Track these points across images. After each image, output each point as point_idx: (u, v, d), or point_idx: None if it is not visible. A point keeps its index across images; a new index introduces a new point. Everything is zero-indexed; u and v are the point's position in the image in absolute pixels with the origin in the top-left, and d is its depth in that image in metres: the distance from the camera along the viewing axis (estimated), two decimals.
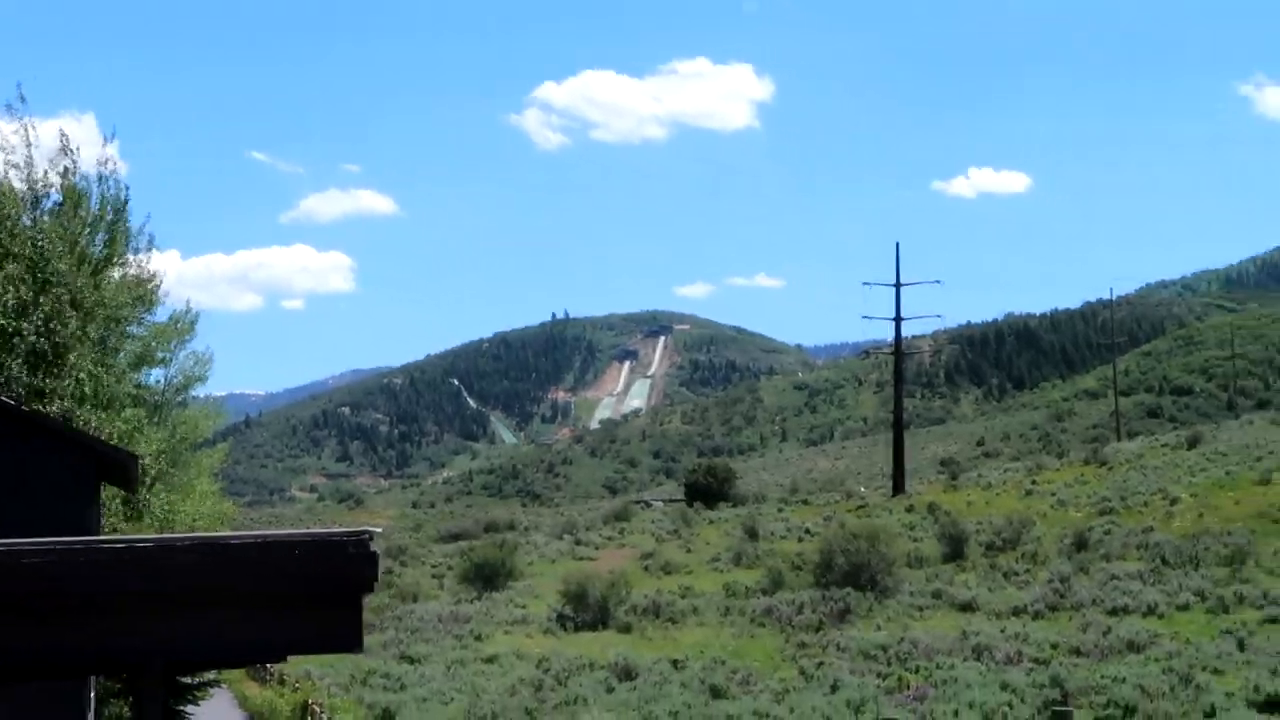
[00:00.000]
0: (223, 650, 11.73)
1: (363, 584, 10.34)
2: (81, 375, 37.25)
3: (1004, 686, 47.62)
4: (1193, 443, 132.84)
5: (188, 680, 43.23)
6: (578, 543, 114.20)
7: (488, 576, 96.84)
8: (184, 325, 44.95)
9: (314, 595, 10.39)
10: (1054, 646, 61.49)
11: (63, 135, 41.58)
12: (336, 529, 10.98)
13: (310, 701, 62.50)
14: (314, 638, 10.49)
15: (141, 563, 10.72)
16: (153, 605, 10.58)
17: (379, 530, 10.97)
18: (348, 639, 10.40)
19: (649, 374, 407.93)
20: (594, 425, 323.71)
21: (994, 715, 37.41)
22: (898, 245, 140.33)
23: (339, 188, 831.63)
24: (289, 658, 44.38)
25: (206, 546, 12.28)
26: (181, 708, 45.17)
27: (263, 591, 10.78)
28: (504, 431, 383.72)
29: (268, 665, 75.16)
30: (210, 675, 57.84)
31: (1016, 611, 71.76)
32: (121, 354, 42.28)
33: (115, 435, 35.39)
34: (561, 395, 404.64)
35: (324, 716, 57.40)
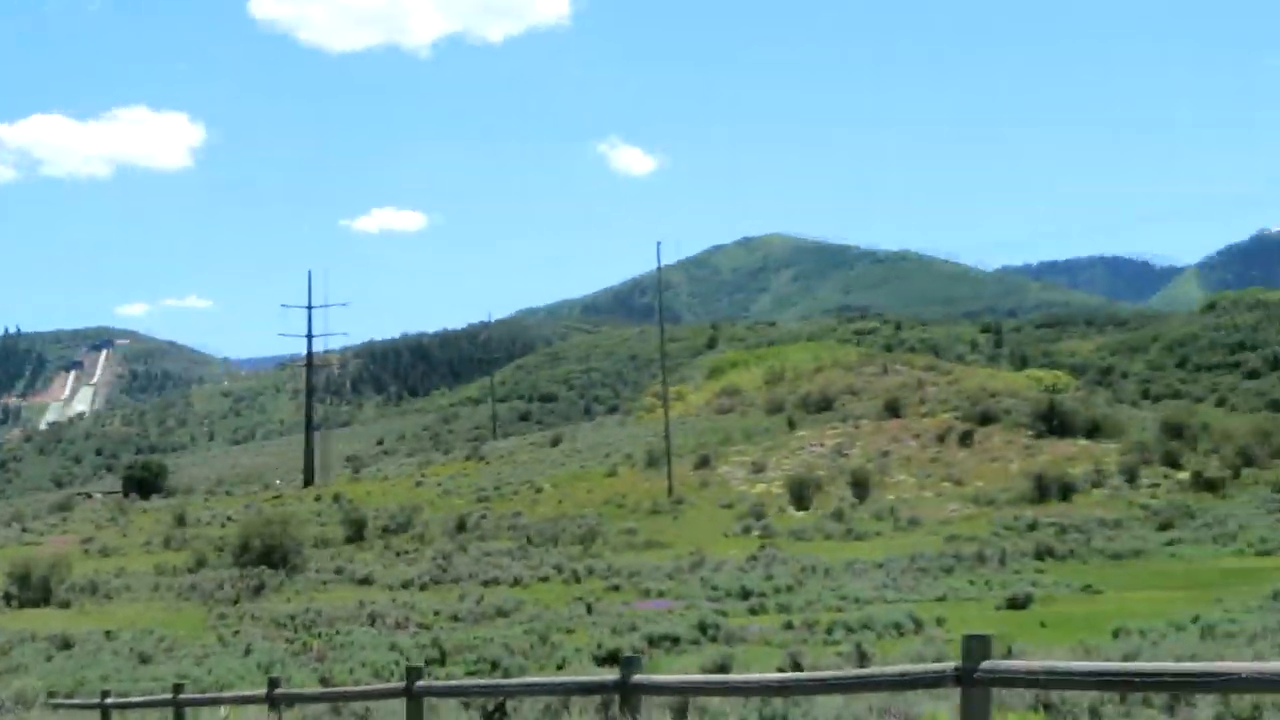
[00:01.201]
0: None
1: None
2: None
3: (392, 647, 47.82)
4: (555, 441, 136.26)
5: None
6: (24, 530, 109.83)
7: None
8: None
9: None
10: (436, 613, 61.98)
11: None
12: None
13: None
14: None
15: None
16: None
17: None
18: None
19: (93, 382, 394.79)
20: (42, 427, 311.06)
21: (383, 670, 37.37)
22: (310, 274, 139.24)
23: None
24: None
25: None
26: None
27: None
28: None
29: None
30: None
31: (406, 585, 72.09)
32: None
33: None
34: (13, 401, 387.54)
35: None
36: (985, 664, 9.58)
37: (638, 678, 11.46)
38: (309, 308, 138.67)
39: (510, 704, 20.78)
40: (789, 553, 71.04)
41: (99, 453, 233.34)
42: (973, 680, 9.60)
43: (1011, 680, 9.97)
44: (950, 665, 9.92)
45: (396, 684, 14.65)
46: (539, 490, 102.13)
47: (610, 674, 12.40)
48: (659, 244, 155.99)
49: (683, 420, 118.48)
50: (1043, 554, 63.13)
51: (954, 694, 10.40)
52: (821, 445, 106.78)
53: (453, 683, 27.04)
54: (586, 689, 13.19)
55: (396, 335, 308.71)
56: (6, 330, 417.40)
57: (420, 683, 14.42)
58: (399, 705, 14.48)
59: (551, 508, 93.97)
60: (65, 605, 72.40)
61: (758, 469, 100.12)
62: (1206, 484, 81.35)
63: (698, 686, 12.87)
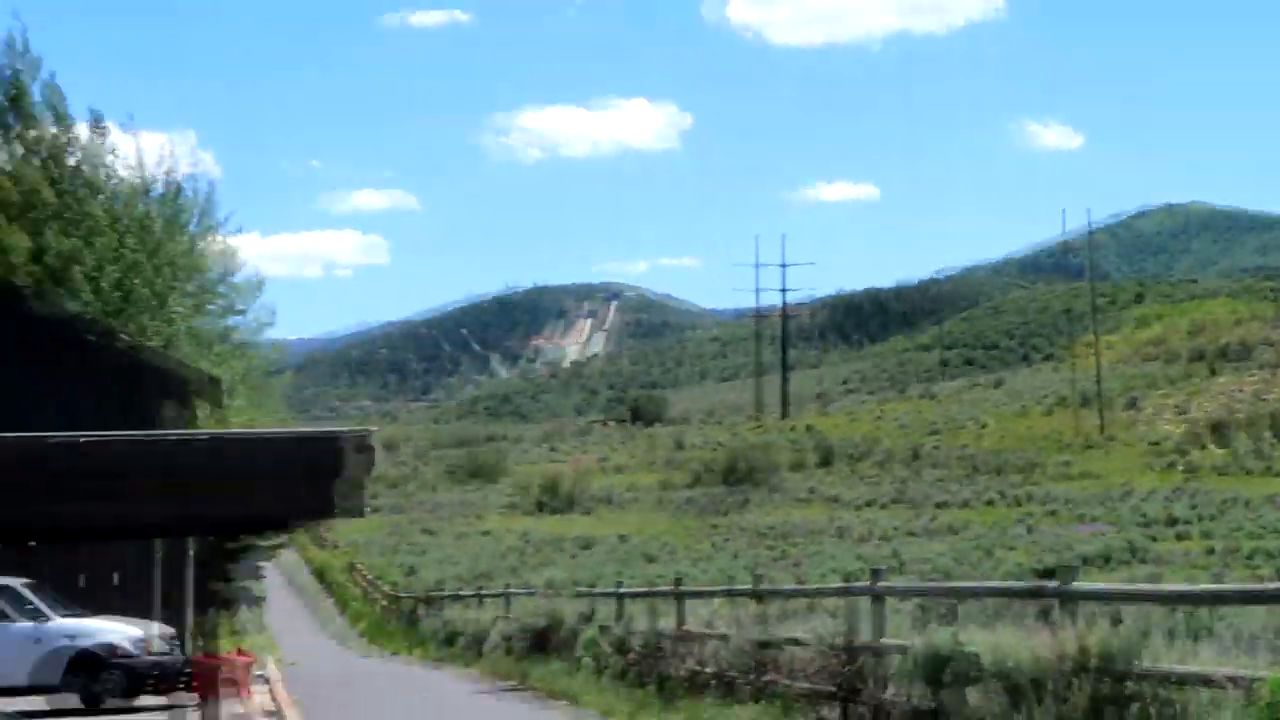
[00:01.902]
0: (271, 517, 11.66)
1: (366, 466, 10.28)
2: (175, 317, 37.18)
3: (857, 557, 47.99)
4: (998, 384, 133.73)
5: (262, 543, 43.28)
6: (552, 450, 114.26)
7: (487, 473, 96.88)
8: (255, 284, 44.67)
9: (331, 475, 10.30)
10: (895, 529, 61.84)
11: (169, 143, 41.87)
12: (351, 429, 10.99)
13: (354, 561, 62.64)
14: (332, 506, 10.43)
15: (204, 450, 10.66)
16: (211, 482, 10.48)
17: (376, 430, 10.97)
18: (357, 508, 10.34)
19: (605, 328, 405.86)
20: (565, 365, 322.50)
21: (850, 575, 37.55)
22: (783, 236, 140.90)
23: (375, 187, 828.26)
24: (327, 522, 43.94)
25: (259, 439, 12.20)
26: (260, 562, 45.28)
27: (294, 473, 10.72)
28: (500, 368, 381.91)
29: (325, 535, 75.23)
30: (282, 539, 57.95)
31: (869, 504, 72.20)
32: (211, 306, 42.08)
33: (207, 364, 35.17)
34: (542, 342, 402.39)
35: (365, 571, 57.48)
36: None
37: (1076, 584, 11.23)
38: (782, 265, 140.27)
39: (960, 608, 20.62)
40: (1211, 486, 68.20)
41: (610, 387, 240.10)
42: None
43: None
44: None
45: (864, 583, 14.67)
46: (984, 426, 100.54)
47: (1051, 583, 12.13)
48: (1088, 210, 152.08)
49: (1112, 366, 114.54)
50: None
51: None
52: (1241, 390, 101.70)
53: (912, 584, 26.91)
54: (1030, 593, 12.95)
55: (857, 289, 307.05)
56: (534, 284, 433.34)
57: (883, 583, 14.44)
58: (864, 603, 14.49)
59: (995, 441, 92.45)
60: (586, 512, 75.27)
61: (1181, 411, 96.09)
62: None
63: (1127, 594, 12.46)
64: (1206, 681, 9.18)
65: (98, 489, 10.17)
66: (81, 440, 10.30)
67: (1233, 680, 8.93)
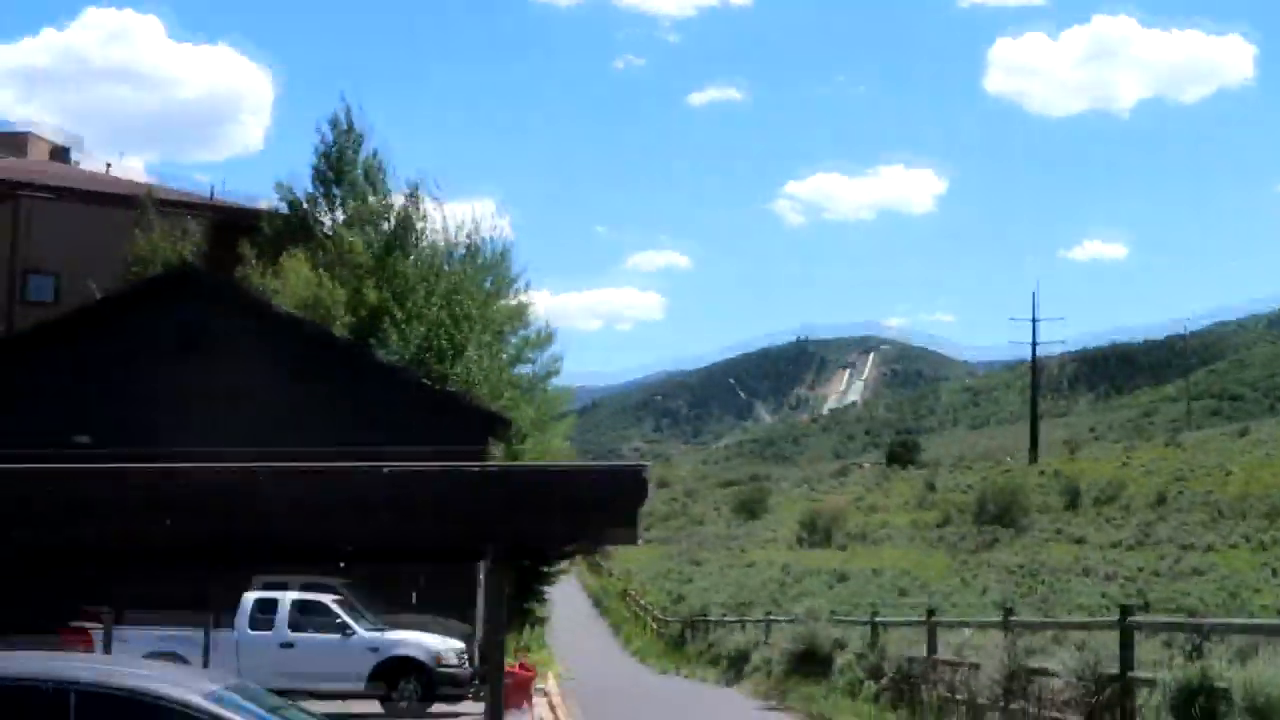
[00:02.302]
0: (558, 541, 11.63)
1: (640, 498, 10.14)
2: (472, 366, 37.91)
3: (1103, 595, 46.30)
4: (1243, 433, 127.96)
5: (546, 569, 43.69)
6: (811, 490, 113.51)
7: (751, 509, 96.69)
8: (545, 336, 45.28)
9: (611, 504, 10.22)
10: (1140, 570, 59.52)
11: (471, 215, 43.33)
12: (629, 463, 10.92)
13: (627, 587, 63.00)
14: (610, 534, 10.36)
15: (505, 480, 10.70)
16: (511, 508, 10.51)
17: (650, 465, 10.91)
18: (631, 535, 10.22)
19: (863, 378, 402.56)
20: (824, 411, 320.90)
21: (1095, 611, 36.04)
22: (1034, 293, 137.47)
23: (655, 249, 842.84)
24: (603, 549, 44.28)
25: (554, 470, 12.22)
26: (543, 586, 45.72)
27: (584, 500, 10.67)
28: (764, 414, 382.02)
29: (602, 563, 75.92)
30: (564, 566, 58.48)
31: (1114, 545, 69.64)
32: (504, 355, 42.88)
33: (501, 407, 35.83)
34: (804, 391, 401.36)
35: (637, 596, 57.73)
36: None
37: None
38: (1034, 320, 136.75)
39: (1206, 645, 19.56)
40: None
41: (867, 433, 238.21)
42: None
43: None
44: None
45: (1111, 618, 13.96)
46: (1229, 473, 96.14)
47: None
48: None
49: None
50: None
51: None
52: None
53: (1159, 619, 25.71)
54: (1278, 630, 12.12)
55: (1106, 344, 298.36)
56: (799, 337, 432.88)
57: (1132, 618, 13.71)
58: (1111, 637, 13.77)
59: (1239, 487, 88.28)
60: (842, 548, 74.37)
61: None
62: None
63: None
64: None
65: (426, 511, 10.38)
66: (433, 469, 10.51)
67: None
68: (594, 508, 10.29)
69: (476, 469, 10.39)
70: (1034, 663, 15.48)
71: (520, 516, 10.29)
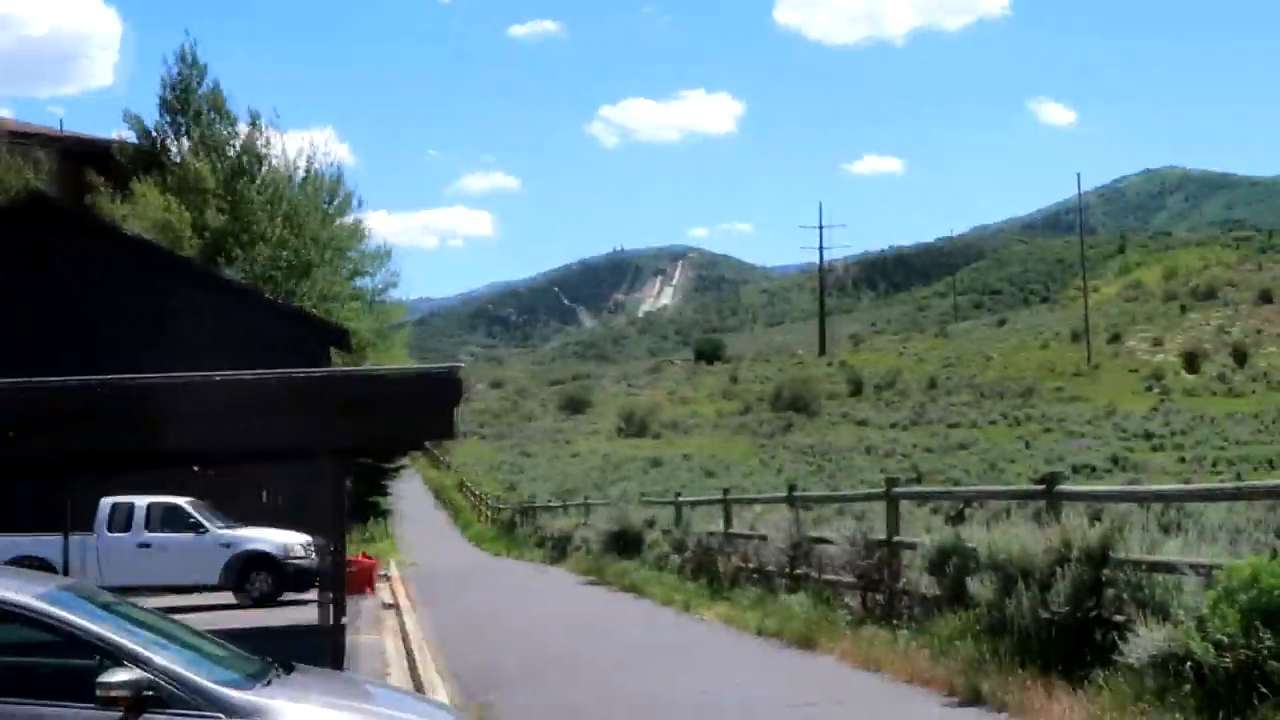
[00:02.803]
0: (383, 440, 11.53)
1: (454, 398, 10.07)
2: (320, 282, 37.27)
3: (882, 470, 47.42)
4: (1001, 323, 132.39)
5: (387, 465, 43.37)
6: (629, 385, 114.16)
7: (575, 406, 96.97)
8: (383, 253, 44.71)
9: (430, 404, 10.12)
10: (914, 446, 61.25)
11: (309, 142, 42.24)
12: (441, 365, 10.82)
13: (464, 480, 62.86)
14: (431, 430, 10.29)
15: (332, 385, 10.53)
16: (339, 411, 10.35)
17: (463, 365, 10.87)
18: (450, 431, 10.16)
19: (673, 283, 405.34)
20: (639, 315, 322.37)
21: (875, 485, 37.32)
22: (820, 204, 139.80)
23: (483, 171, 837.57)
24: (440, 444, 43.99)
25: (376, 375, 12.05)
26: (386, 482, 45.39)
27: (404, 400, 10.58)
28: (586, 319, 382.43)
29: (440, 457, 75.44)
30: (404, 462, 58.08)
31: (893, 425, 71.63)
32: (345, 270, 42.13)
33: (341, 319, 35.23)
34: (621, 297, 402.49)
35: (473, 488, 57.68)
36: None
37: (1060, 487, 10.88)
38: (820, 228, 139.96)
39: (966, 510, 20.29)
40: (1182, 406, 67.13)
41: (678, 333, 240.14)
42: None
43: None
44: None
45: (878, 489, 14.34)
46: (989, 359, 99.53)
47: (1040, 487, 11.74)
48: (1078, 175, 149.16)
49: (1098, 307, 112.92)
50: None
51: None
52: (1208, 325, 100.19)
53: (919, 489, 26.52)
54: (1023, 495, 12.60)
55: (884, 249, 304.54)
56: (615, 249, 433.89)
57: (897, 489, 14.10)
58: (881, 507, 14.16)
59: (998, 371, 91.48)
60: (656, 437, 75.09)
61: (1156, 343, 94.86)
62: None
63: (1107, 495, 12.08)
64: (1170, 569, 8.83)
65: (261, 417, 10.15)
66: (265, 376, 10.25)
67: (1194, 568, 8.59)
68: (414, 407, 10.20)
69: (302, 375, 10.18)
70: (815, 533, 15.86)
71: (346, 419, 10.15)
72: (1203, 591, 8.14)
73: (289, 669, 6.64)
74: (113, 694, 5.63)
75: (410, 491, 63.36)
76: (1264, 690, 7.21)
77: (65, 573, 17.67)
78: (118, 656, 5.80)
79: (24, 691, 5.78)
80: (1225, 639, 7.49)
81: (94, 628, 5.95)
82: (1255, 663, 7.31)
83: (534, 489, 51.60)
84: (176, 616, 8.03)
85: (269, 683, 6.22)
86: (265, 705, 5.88)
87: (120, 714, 5.65)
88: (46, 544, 19.54)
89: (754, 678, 11.49)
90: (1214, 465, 44.26)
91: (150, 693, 5.71)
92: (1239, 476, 36.01)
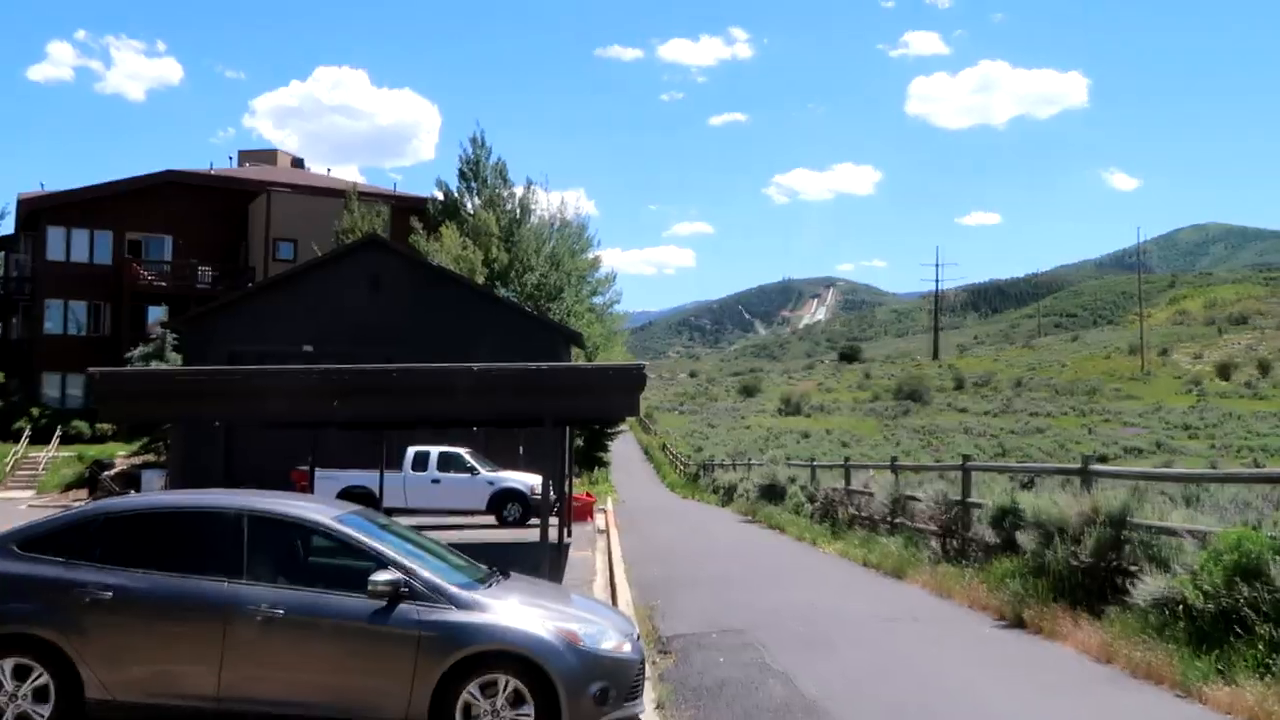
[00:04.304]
0: (588, 413, 11.67)
1: (639, 384, 10.13)
2: (567, 301, 37.81)
3: (975, 447, 45.67)
4: (1074, 339, 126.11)
5: (609, 430, 43.67)
6: (789, 377, 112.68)
7: (749, 391, 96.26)
8: (609, 278, 45.01)
9: (621, 389, 10.16)
10: (1001, 429, 58.70)
11: (562, 200, 43.00)
12: (629, 363, 10.81)
13: (665, 443, 62.98)
14: (622, 408, 10.32)
15: (556, 375, 10.66)
16: (556, 393, 10.46)
17: (646, 364, 10.85)
18: (635, 409, 10.23)
19: (825, 304, 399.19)
20: (800, 327, 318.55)
21: (971, 458, 35.97)
22: (938, 248, 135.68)
23: (688, 220, 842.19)
24: (649, 416, 43.66)
25: (581, 369, 12.17)
26: (607, 441, 45.60)
27: (604, 386, 10.62)
28: (760, 329, 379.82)
29: (649, 425, 75.40)
30: (622, 428, 57.98)
31: (986, 413, 68.92)
32: (584, 291, 42.64)
33: (579, 327, 35.75)
34: (787, 314, 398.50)
35: (671, 449, 57.71)
36: None
37: (1094, 466, 10.32)
38: (936, 265, 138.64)
39: (1037, 480, 19.36)
40: (1216, 405, 62.87)
41: (827, 341, 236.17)
42: None
43: None
44: None
45: (954, 463, 13.82)
46: (1063, 365, 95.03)
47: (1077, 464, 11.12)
48: (1139, 228, 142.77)
49: (1150, 328, 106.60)
50: None
51: None
52: (1239, 344, 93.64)
53: (994, 463, 25.42)
54: (1064, 472, 11.95)
55: (985, 281, 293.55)
56: (783, 278, 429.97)
57: (970, 463, 13.56)
58: (958, 475, 13.63)
59: (1071, 375, 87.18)
60: (807, 416, 73.95)
61: (1197, 357, 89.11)
62: None
63: (1126, 474, 11.38)
64: (1173, 533, 8.30)
65: (504, 395, 10.45)
66: (508, 367, 10.52)
67: (1191, 533, 8.06)
68: (608, 391, 10.31)
69: (534, 367, 10.37)
70: (910, 492, 15.42)
71: (562, 398, 10.32)
72: (1198, 551, 7.66)
73: (506, 575, 6.79)
74: (379, 588, 5.88)
75: (625, 449, 63.83)
76: (1239, 630, 6.79)
77: (380, 500, 18.46)
78: (384, 562, 6.05)
79: (323, 582, 6.07)
80: (1212, 589, 7.10)
81: (369, 541, 6.21)
82: (1234, 609, 6.92)
83: (714, 451, 51.49)
84: (434, 534, 8.26)
85: (490, 585, 6.38)
86: (481, 600, 6.05)
87: (384, 603, 5.89)
88: (368, 478, 20.45)
89: (855, 596, 11.27)
90: (1238, 452, 41.32)
91: (404, 589, 5.94)
92: (1256, 462, 33.56)
